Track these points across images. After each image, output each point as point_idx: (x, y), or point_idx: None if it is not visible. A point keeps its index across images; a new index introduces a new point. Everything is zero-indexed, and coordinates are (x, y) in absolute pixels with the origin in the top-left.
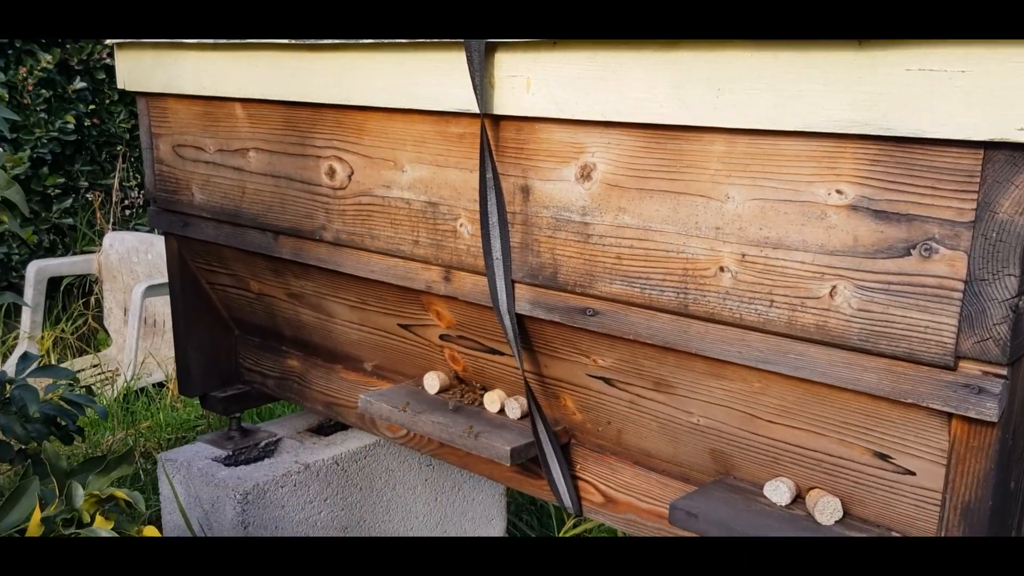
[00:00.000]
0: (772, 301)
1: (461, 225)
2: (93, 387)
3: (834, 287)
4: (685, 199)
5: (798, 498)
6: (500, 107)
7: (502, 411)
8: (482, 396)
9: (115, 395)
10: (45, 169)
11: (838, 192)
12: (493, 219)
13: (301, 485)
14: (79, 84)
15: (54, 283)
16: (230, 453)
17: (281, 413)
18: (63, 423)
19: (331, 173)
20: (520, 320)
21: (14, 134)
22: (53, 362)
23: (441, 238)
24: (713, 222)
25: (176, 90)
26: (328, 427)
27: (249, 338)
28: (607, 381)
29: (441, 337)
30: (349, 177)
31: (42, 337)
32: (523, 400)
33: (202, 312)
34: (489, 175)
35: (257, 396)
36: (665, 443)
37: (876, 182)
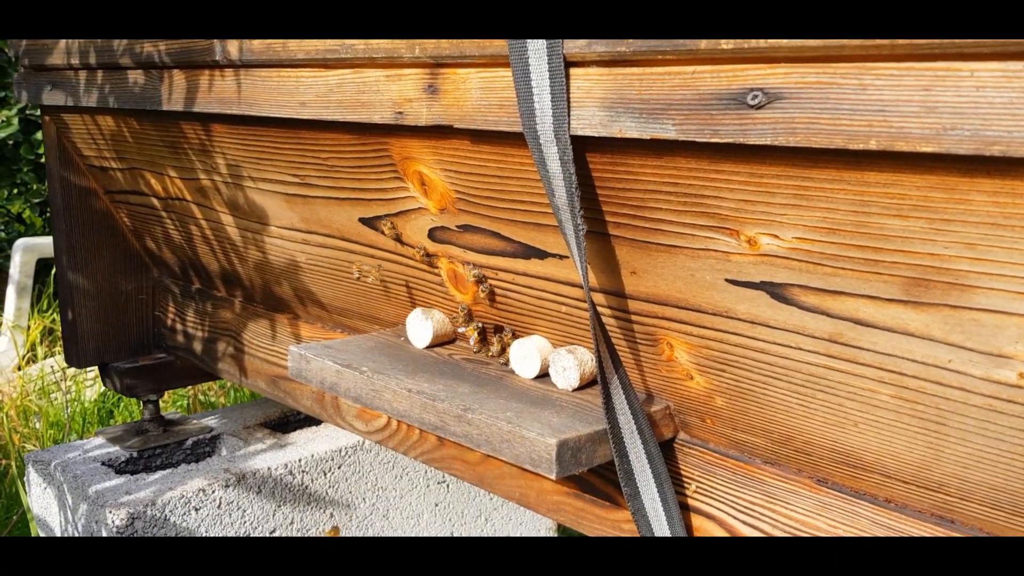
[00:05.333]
0: None
1: None
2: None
3: None
4: None
5: None
6: None
7: (544, 375)
8: (509, 346)
9: (94, 396)
10: (39, 135)
11: None
12: None
13: (230, 507)
14: None
15: (45, 265)
16: (133, 454)
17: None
18: None
19: None
20: (582, 155)
21: (1, 92)
22: (40, 356)
23: None
24: None
25: None
26: (295, 421)
27: (171, 282)
28: (775, 292)
29: (432, 236)
30: None
31: (28, 328)
32: (583, 353)
33: (100, 238)
34: None
35: (182, 371)
36: (909, 436)
37: None
